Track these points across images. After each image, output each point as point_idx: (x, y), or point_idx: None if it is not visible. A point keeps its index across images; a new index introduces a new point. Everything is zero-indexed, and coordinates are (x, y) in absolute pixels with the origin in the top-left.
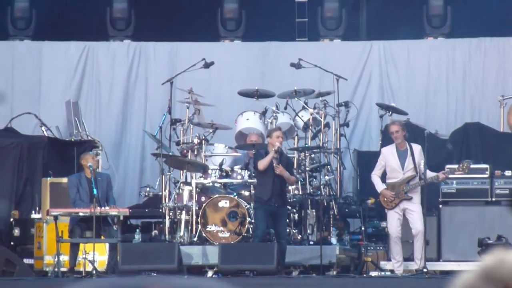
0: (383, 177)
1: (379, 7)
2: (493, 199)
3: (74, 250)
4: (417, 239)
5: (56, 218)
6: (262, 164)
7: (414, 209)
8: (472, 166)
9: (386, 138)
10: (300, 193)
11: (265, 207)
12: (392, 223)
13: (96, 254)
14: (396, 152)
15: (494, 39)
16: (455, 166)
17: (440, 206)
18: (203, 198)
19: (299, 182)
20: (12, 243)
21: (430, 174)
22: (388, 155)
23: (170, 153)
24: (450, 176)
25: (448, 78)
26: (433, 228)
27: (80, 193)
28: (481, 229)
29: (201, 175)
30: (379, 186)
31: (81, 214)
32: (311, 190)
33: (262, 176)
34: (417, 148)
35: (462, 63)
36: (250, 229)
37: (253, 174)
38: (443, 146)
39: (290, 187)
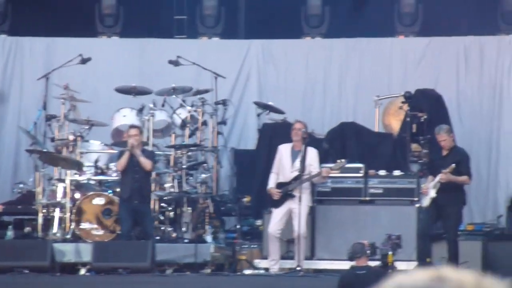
0: None
1: (258, 6)
2: (367, 198)
3: None
4: (298, 241)
5: None
6: (120, 165)
7: (299, 211)
8: (347, 165)
9: (263, 137)
10: (176, 190)
11: (126, 206)
12: (273, 222)
13: None
14: (290, 151)
15: (371, 39)
16: (331, 165)
17: (315, 204)
18: (77, 195)
19: (176, 180)
20: None
21: (314, 171)
22: (283, 153)
23: (45, 150)
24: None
25: (325, 78)
26: (308, 227)
27: None
28: (355, 227)
29: (76, 172)
30: (270, 184)
31: None
32: (188, 188)
33: (122, 175)
34: (312, 151)
35: (338, 63)
36: None
37: None
38: (319, 145)
39: (166, 185)
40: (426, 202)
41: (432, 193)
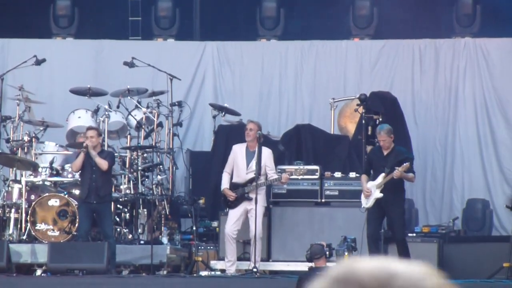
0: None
1: (213, 8)
2: (323, 200)
3: None
4: (254, 241)
5: None
6: (74, 166)
7: (255, 212)
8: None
9: (219, 139)
10: (132, 192)
11: (85, 206)
12: (230, 222)
13: None
14: (245, 151)
15: (326, 42)
16: (292, 167)
17: (271, 206)
18: (33, 197)
19: (131, 181)
20: None
21: (273, 176)
22: (237, 153)
23: (0, 151)
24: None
25: (280, 80)
26: (264, 228)
27: None
28: (311, 229)
29: (31, 173)
30: (223, 185)
31: None
32: (143, 190)
33: (81, 175)
34: (266, 151)
35: (294, 65)
36: None
37: None
38: (274, 147)
39: (121, 187)
40: (370, 202)
41: (377, 193)
